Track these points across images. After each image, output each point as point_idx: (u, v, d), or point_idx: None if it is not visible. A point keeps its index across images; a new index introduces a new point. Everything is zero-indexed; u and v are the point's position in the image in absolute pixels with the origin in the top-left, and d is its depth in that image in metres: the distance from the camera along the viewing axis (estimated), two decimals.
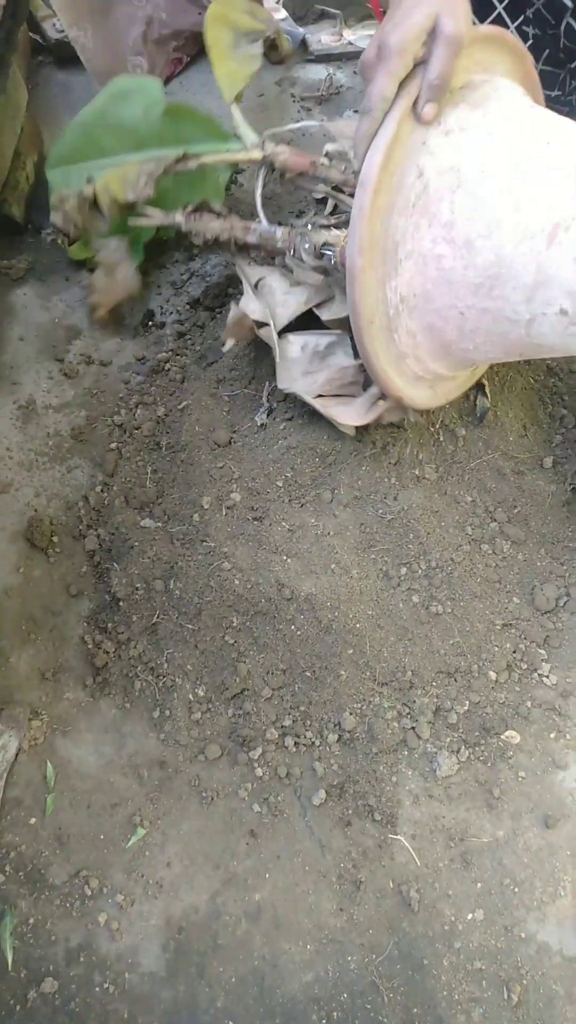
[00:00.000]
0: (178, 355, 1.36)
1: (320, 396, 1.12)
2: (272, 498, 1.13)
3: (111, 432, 1.30)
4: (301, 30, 1.79)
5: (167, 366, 1.35)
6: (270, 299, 1.20)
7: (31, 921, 0.95)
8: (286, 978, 0.92)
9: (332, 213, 1.22)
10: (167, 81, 1.77)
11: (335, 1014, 0.90)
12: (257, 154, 1.29)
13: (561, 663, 1.05)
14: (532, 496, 1.15)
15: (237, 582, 1.07)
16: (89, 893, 0.97)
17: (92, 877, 0.98)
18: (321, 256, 1.15)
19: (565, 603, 1.08)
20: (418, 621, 1.06)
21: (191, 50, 1.67)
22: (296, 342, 1.17)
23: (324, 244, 1.14)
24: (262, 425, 1.20)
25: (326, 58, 1.75)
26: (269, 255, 1.25)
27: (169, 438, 1.25)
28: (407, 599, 1.06)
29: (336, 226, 1.16)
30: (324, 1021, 0.90)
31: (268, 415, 1.20)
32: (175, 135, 1.35)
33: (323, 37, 1.78)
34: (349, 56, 1.74)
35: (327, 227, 1.16)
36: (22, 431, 1.32)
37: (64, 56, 1.73)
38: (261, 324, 1.18)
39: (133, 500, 1.21)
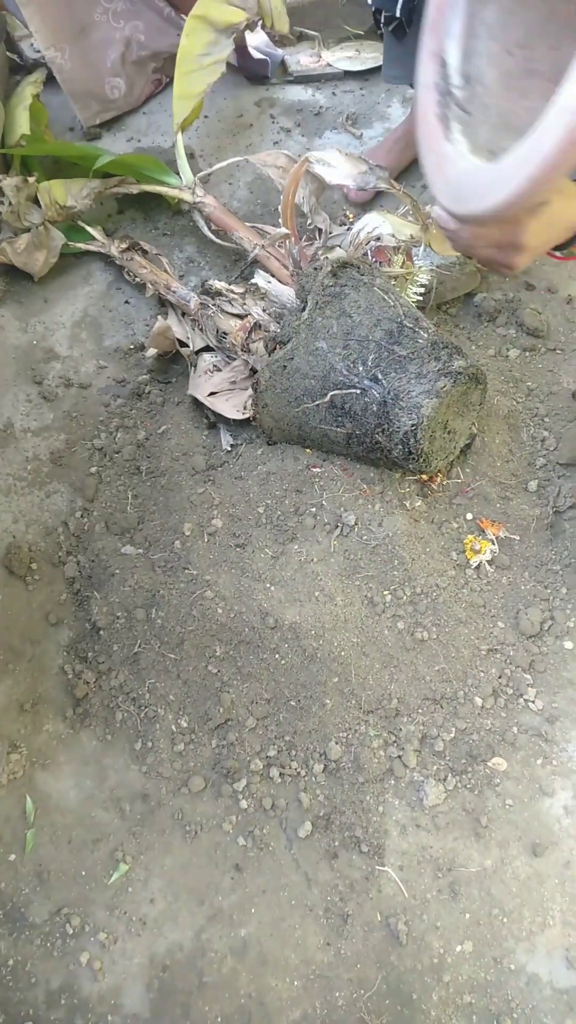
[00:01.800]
0: (158, 379, 1.37)
1: (212, 395, 1.25)
2: (254, 524, 1.14)
3: (91, 456, 1.31)
4: (280, 52, 1.82)
5: (147, 389, 1.36)
6: (191, 329, 1.35)
7: (10, 962, 0.95)
8: (273, 1016, 0.92)
9: (248, 291, 1.27)
10: (146, 101, 1.79)
11: None
12: (188, 196, 1.45)
13: (547, 688, 1.07)
14: (517, 520, 1.17)
15: (220, 611, 1.08)
16: (71, 932, 0.97)
17: (74, 915, 0.98)
18: (221, 340, 1.28)
19: (550, 627, 1.10)
20: (403, 648, 1.07)
21: (170, 71, 1.69)
22: (208, 359, 1.31)
23: (222, 333, 1.27)
24: (232, 447, 1.23)
25: (305, 79, 1.78)
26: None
27: (149, 463, 1.26)
28: (392, 626, 1.08)
29: (239, 316, 1.27)
30: None
31: (235, 438, 1.24)
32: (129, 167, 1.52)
33: (302, 59, 1.82)
34: (328, 77, 1.78)
35: (230, 314, 1.28)
36: (0, 455, 1.32)
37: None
38: (184, 344, 1.34)
39: (114, 526, 1.22)
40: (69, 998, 0.93)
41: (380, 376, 1.04)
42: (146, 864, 1.01)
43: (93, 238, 1.49)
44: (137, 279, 1.44)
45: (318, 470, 1.14)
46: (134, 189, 1.50)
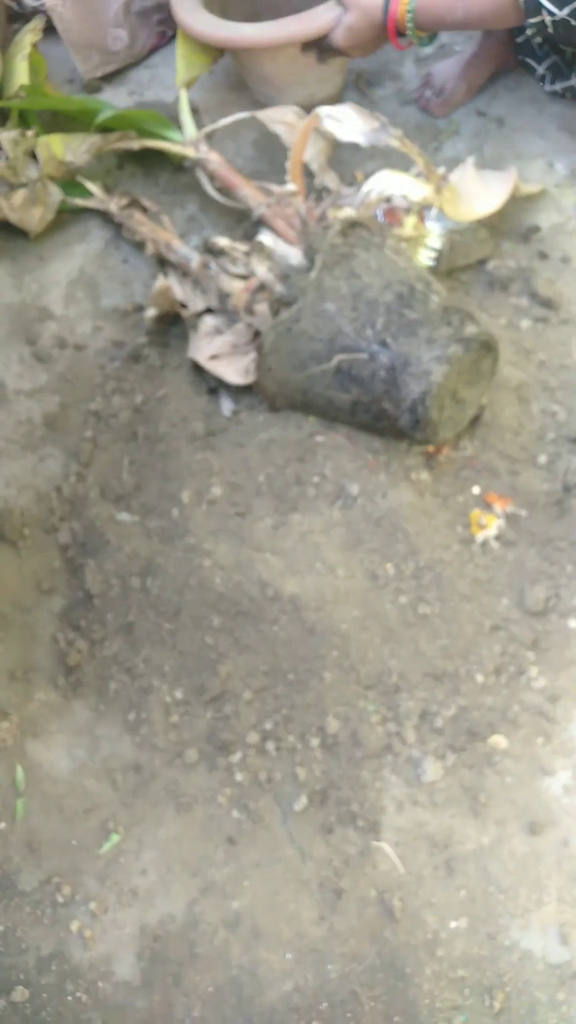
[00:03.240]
0: (156, 341, 1.37)
1: (213, 358, 1.25)
2: (254, 493, 1.16)
3: (86, 420, 1.32)
4: None
5: (145, 351, 1.37)
6: (192, 290, 1.34)
7: (1, 928, 0.97)
8: (265, 988, 0.95)
9: (253, 249, 1.28)
10: (149, 54, 1.77)
11: (314, 1023, 0.93)
12: (191, 152, 1.44)
13: (550, 666, 1.09)
14: (525, 495, 1.19)
15: (218, 580, 1.10)
16: (61, 900, 0.99)
17: (64, 884, 1.00)
18: (223, 302, 1.27)
19: (555, 605, 1.12)
20: (405, 623, 1.09)
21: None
22: (209, 321, 1.30)
23: (225, 294, 1.27)
24: (235, 414, 1.24)
25: None
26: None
27: (147, 428, 1.27)
28: (394, 600, 1.10)
29: (243, 276, 1.27)
30: None
31: (236, 404, 1.25)
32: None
33: None
34: None
35: (233, 275, 1.28)
36: None
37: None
38: (183, 305, 1.33)
39: (109, 492, 1.23)
40: (60, 964, 0.96)
41: (389, 340, 1.05)
42: (138, 835, 1.03)
43: (92, 194, 1.49)
44: (136, 237, 1.44)
45: (321, 439, 1.16)
46: (135, 145, 1.50)
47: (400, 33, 1.30)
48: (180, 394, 1.27)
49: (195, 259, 1.33)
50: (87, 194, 1.50)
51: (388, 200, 1.24)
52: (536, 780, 1.03)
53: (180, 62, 1.51)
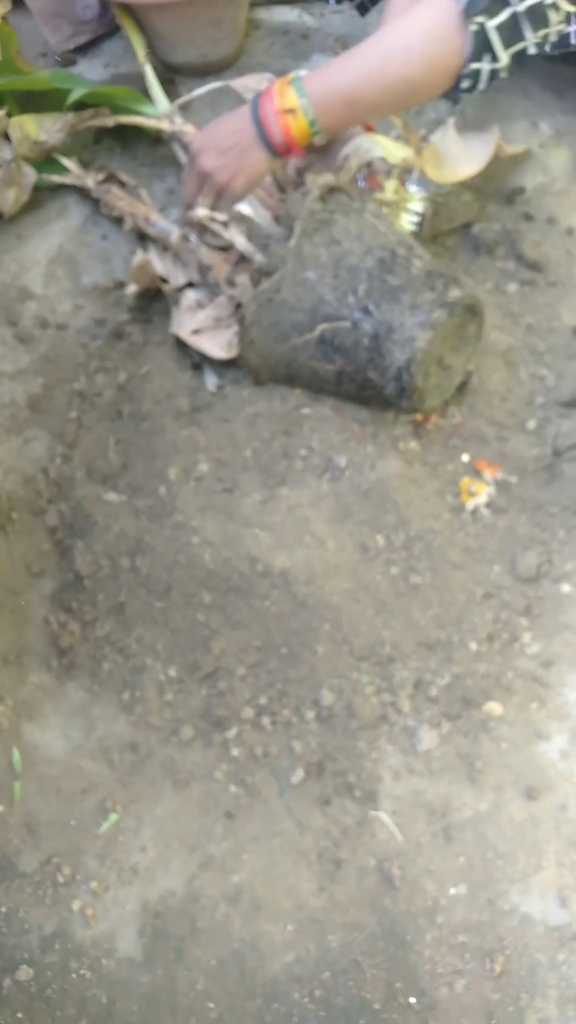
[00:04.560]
0: (138, 318, 1.37)
1: (196, 333, 1.24)
2: (241, 468, 1.16)
3: (70, 400, 1.31)
4: None
5: (127, 329, 1.36)
6: (172, 264, 1.33)
7: (3, 909, 0.98)
8: (267, 959, 0.97)
9: (232, 219, 1.25)
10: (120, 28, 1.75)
11: (317, 992, 0.95)
12: (167, 125, 1.43)
13: (543, 632, 1.09)
14: (515, 461, 1.19)
15: (207, 557, 1.10)
16: (62, 880, 1.00)
17: (64, 864, 1.01)
18: (204, 275, 1.26)
19: (547, 571, 1.12)
20: (396, 593, 1.09)
21: None
22: (191, 295, 1.29)
23: (206, 267, 1.25)
24: (219, 388, 1.23)
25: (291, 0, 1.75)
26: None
27: (131, 406, 1.27)
28: (385, 571, 1.10)
29: (223, 248, 1.26)
30: (306, 1000, 0.94)
31: (221, 378, 1.24)
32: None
33: None
34: None
35: (214, 247, 1.26)
36: None
37: None
38: (164, 280, 1.32)
39: (95, 472, 1.23)
40: (63, 943, 0.97)
41: (372, 308, 1.05)
42: (137, 813, 1.04)
43: (68, 171, 1.48)
44: (115, 212, 1.43)
45: (307, 411, 1.15)
46: (110, 122, 1.48)
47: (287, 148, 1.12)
48: (164, 371, 1.27)
49: (174, 232, 1.32)
50: (63, 170, 1.49)
51: (368, 164, 1.23)
52: (532, 745, 1.04)
53: (132, 37, 1.50)
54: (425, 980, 0.94)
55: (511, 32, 1.02)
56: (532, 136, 1.47)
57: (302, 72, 1.11)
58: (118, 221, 1.44)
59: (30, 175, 1.47)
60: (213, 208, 1.21)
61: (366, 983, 0.95)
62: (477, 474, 1.17)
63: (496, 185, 1.40)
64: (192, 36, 1.58)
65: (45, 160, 1.50)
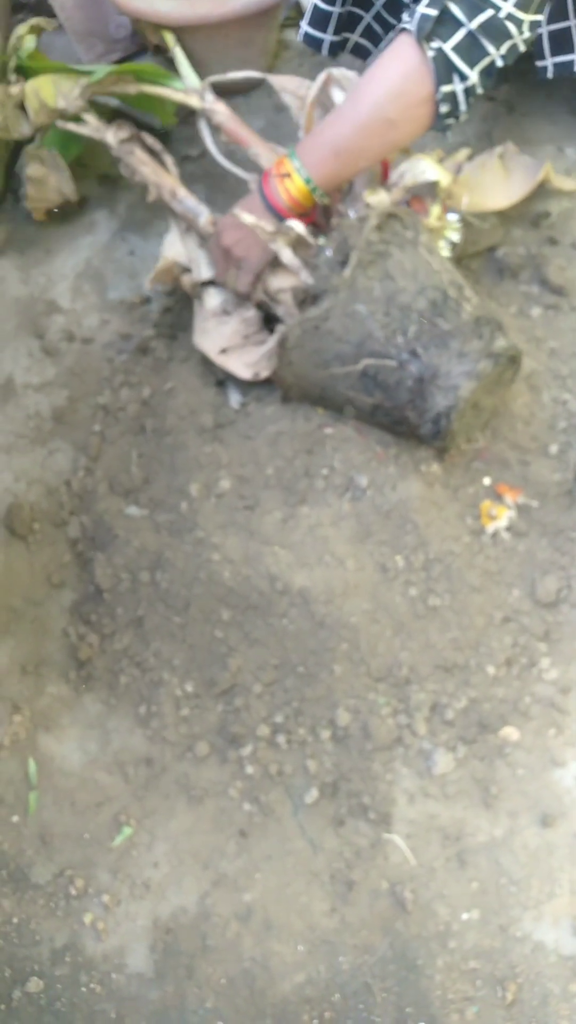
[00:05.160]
0: (164, 333, 1.38)
1: (224, 352, 1.23)
2: (263, 486, 1.17)
3: (94, 414, 1.33)
4: None
5: (153, 344, 1.37)
6: (196, 252, 1.28)
7: (15, 920, 0.99)
8: (277, 979, 0.97)
9: (279, 231, 1.21)
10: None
11: (327, 1014, 0.94)
12: (196, 101, 1.35)
13: (561, 657, 1.09)
14: (536, 486, 1.19)
15: (227, 574, 1.11)
16: (74, 893, 1.01)
17: (77, 877, 1.02)
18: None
19: (566, 596, 1.12)
20: (415, 615, 1.10)
21: None
22: (215, 295, 1.27)
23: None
24: (243, 406, 1.24)
25: None
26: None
27: (155, 421, 1.28)
28: (404, 592, 1.10)
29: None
30: (316, 1021, 0.94)
31: (244, 396, 1.24)
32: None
33: None
34: None
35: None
36: (0, 412, 1.34)
37: (44, 15, 1.73)
38: (186, 270, 1.29)
39: (118, 486, 1.24)
40: (73, 956, 0.98)
41: (420, 351, 1.05)
42: (150, 828, 1.04)
43: (85, 122, 1.36)
44: (135, 178, 1.34)
45: (330, 430, 1.16)
46: (131, 89, 1.40)
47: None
48: (188, 387, 1.28)
49: (204, 215, 1.27)
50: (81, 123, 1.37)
51: (417, 186, 1.20)
52: (548, 772, 1.04)
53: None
54: (436, 1006, 0.94)
55: (471, 50, 1.02)
56: (558, 161, 1.48)
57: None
58: (142, 191, 1.36)
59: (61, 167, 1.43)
60: (237, 279, 1.22)
61: (376, 1006, 0.95)
62: (498, 498, 1.17)
63: (521, 209, 1.40)
64: (223, 56, 1.60)
65: (63, 135, 1.42)
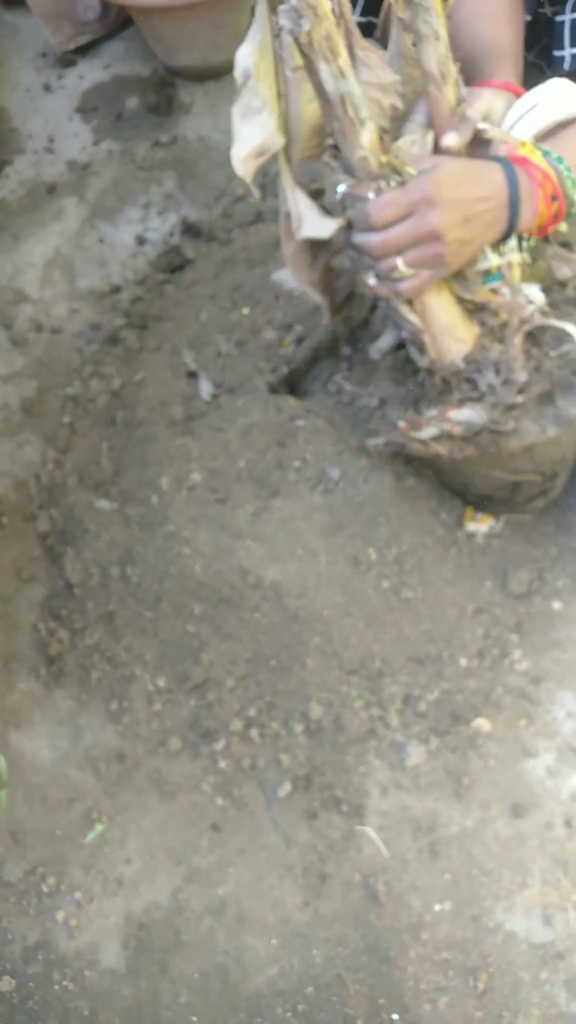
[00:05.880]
0: (134, 323, 1.37)
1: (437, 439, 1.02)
2: (234, 479, 1.16)
3: (63, 405, 1.31)
4: None
5: (123, 334, 1.36)
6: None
7: None
8: (250, 973, 0.97)
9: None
10: (123, 25, 1.74)
11: (300, 1007, 0.95)
12: None
13: (533, 648, 1.10)
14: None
15: (198, 568, 1.10)
16: (46, 890, 1.00)
17: (49, 874, 1.01)
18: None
19: (538, 587, 1.13)
20: (388, 607, 1.10)
21: None
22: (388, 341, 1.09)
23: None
24: (214, 397, 1.23)
25: None
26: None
27: (125, 413, 1.27)
28: (376, 585, 1.10)
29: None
30: (289, 1015, 0.94)
31: (216, 387, 1.23)
32: None
33: None
34: None
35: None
36: None
37: None
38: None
39: (88, 479, 1.23)
40: (46, 953, 0.97)
41: None
42: (122, 824, 1.04)
43: None
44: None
45: (302, 422, 1.15)
46: None
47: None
48: (158, 378, 1.27)
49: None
50: None
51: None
52: (519, 762, 1.05)
53: None
54: (408, 996, 0.95)
55: None
56: None
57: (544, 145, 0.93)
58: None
59: None
60: (391, 280, 0.91)
61: (349, 998, 0.95)
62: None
63: None
64: (193, 40, 1.58)
65: None
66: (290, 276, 1.08)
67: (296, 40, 0.80)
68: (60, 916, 0.99)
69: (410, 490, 1.14)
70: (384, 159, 0.87)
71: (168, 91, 1.65)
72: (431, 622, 1.10)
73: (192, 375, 1.27)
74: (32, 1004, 0.95)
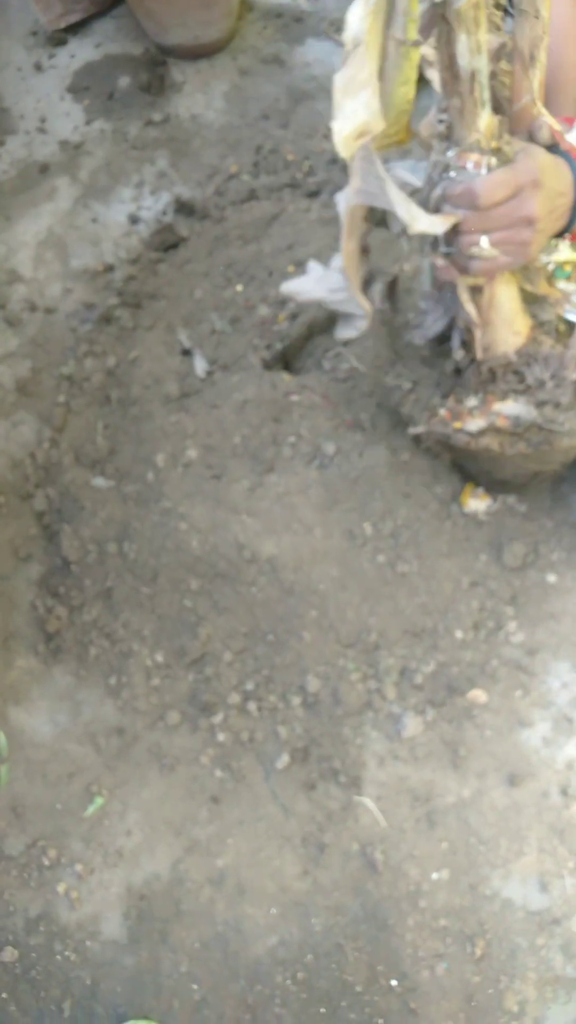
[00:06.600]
0: (128, 302, 1.36)
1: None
2: (230, 454, 1.16)
3: (58, 384, 1.31)
4: None
5: (117, 313, 1.35)
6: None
7: None
8: (250, 942, 0.97)
9: None
10: (114, 4, 1.72)
11: (300, 975, 0.96)
12: None
13: (528, 620, 1.10)
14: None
15: (195, 543, 1.10)
16: (47, 863, 1.01)
17: (50, 847, 1.02)
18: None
19: (533, 560, 1.13)
20: (383, 581, 1.10)
21: None
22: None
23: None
24: (209, 374, 1.22)
25: None
26: None
27: (120, 391, 1.27)
28: (372, 559, 1.10)
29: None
30: (289, 982, 0.95)
31: (210, 364, 1.23)
32: None
33: None
34: None
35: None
36: None
37: None
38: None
39: (83, 457, 1.22)
40: (48, 925, 0.98)
41: None
42: (122, 797, 1.04)
43: None
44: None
45: (296, 398, 1.15)
46: None
47: None
48: (153, 355, 1.27)
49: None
50: None
51: None
52: (515, 733, 1.05)
53: None
54: (407, 963, 0.95)
55: None
56: None
57: None
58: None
59: None
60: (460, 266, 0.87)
61: (348, 966, 0.96)
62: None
63: None
64: (184, 17, 1.56)
65: None
66: (301, 287, 1.02)
67: (443, 5, 0.72)
68: (61, 888, 1.00)
69: (405, 464, 1.14)
70: (495, 144, 0.83)
71: (160, 70, 1.63)
72: (427, 595, 1.10)
73: (186, 352, 1.27)
74: (35, 974, 0.96)
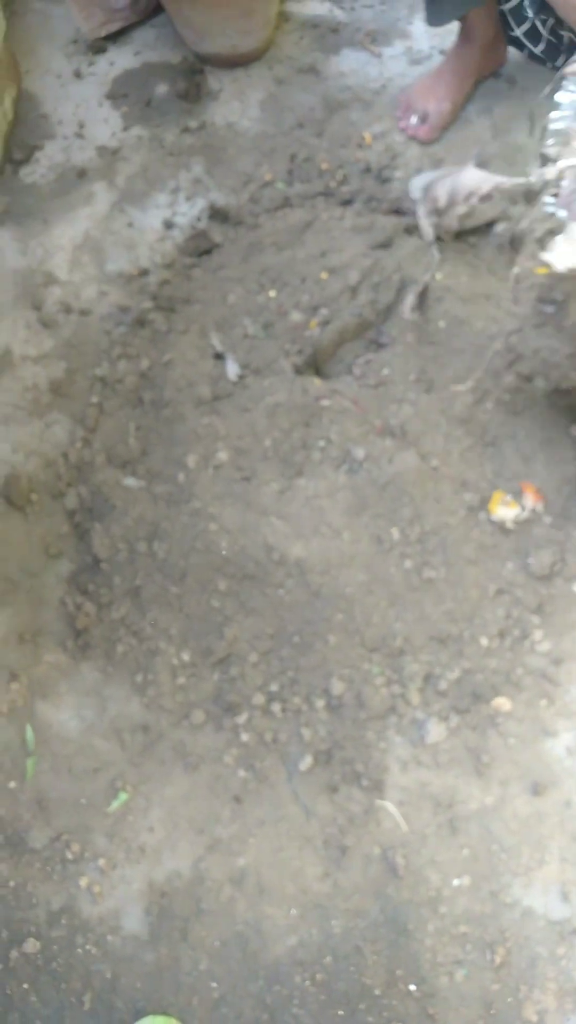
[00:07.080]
0: (162, 306, 1.37)
1: None
2: (260, 457, 1.17)
3: (92, 386, 1.32)
4: None
5: (151, 316, 1.37)
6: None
7: (11, 883, 1.00)
8: (269, 942, 0.98)
9: None
10: (154, 13, 1.75)
11: (318, 976, 0.96)
12: None
13: (554, 630, 1.10)
14: (549, 465, 1.17)
15: (224, 544, 1.11)
16: (70, 857, 1.02)
17: (73, 841, 1.03)
18: None
19: (560, 569, 1.13)
20: (410, 587, 1.10)
21: None
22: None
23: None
24: (241, 378, 1.23)
25: None
26: None
27: (153, 393, 1.28)
28: (399, 564, 1.10)
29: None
30: (308, 983, 0.95)
31: (242, 368, 1.23)
32: None
33: None
34: None
35: None
36: None
37: None
38: None
39: (115, 458, 1.24)
40: (70, 919, 0.99)
41: None
42: (146, 794, 1.05)
43: None
44: None
45: (327, 403, 1.16)
46: None
47: None
48: (186, 359, 1.28)
49: None
50: None
51: None
52: (539, 742, 1.05)
53: None
54: (426, 968, 0.95)
55: None
56: None
57: None
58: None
59: None
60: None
61: (367, 969, 0.96)
62: (517, 493, 1.15)
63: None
64: (223, 26, 1.58)
65: None
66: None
67: None
68: (84, 882, 1.01)
69: (433, 471, 1.14)
70: None
71: (197, 78, 1.65)
72: (453, 602, 1.10)
73: (219, 356, 1.28)
74: (56, 966, 0.97)
